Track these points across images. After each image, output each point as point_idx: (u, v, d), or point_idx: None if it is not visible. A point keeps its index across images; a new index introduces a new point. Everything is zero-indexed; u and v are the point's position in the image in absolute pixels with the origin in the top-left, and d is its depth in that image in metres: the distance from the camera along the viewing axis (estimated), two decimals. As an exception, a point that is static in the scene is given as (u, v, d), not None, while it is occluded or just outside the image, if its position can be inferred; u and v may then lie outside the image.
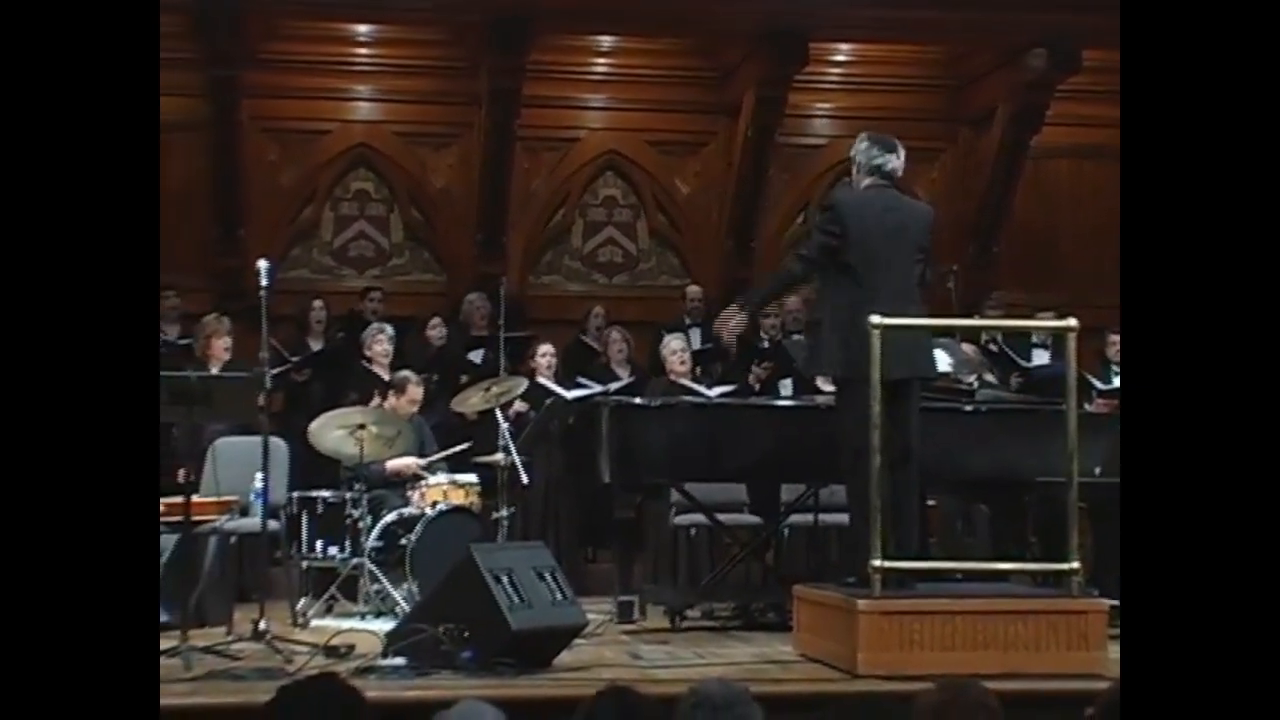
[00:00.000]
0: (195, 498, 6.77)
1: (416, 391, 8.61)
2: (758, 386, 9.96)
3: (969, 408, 7.53)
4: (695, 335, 10.51)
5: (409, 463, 8.33)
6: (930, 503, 7.88)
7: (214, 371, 8.67)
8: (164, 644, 6.07)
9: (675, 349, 9.32)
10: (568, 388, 9.40)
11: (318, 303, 10.49)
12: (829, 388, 7.27)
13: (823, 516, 8.16)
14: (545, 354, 9.66)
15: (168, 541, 7.09)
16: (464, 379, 9.92)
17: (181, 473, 6.51)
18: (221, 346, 8.98)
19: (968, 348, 8.56)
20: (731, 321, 6.55)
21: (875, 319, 5.72)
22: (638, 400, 7.94)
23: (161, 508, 6.96)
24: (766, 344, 10.43)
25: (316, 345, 10.33)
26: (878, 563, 5.67)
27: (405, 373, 8.82)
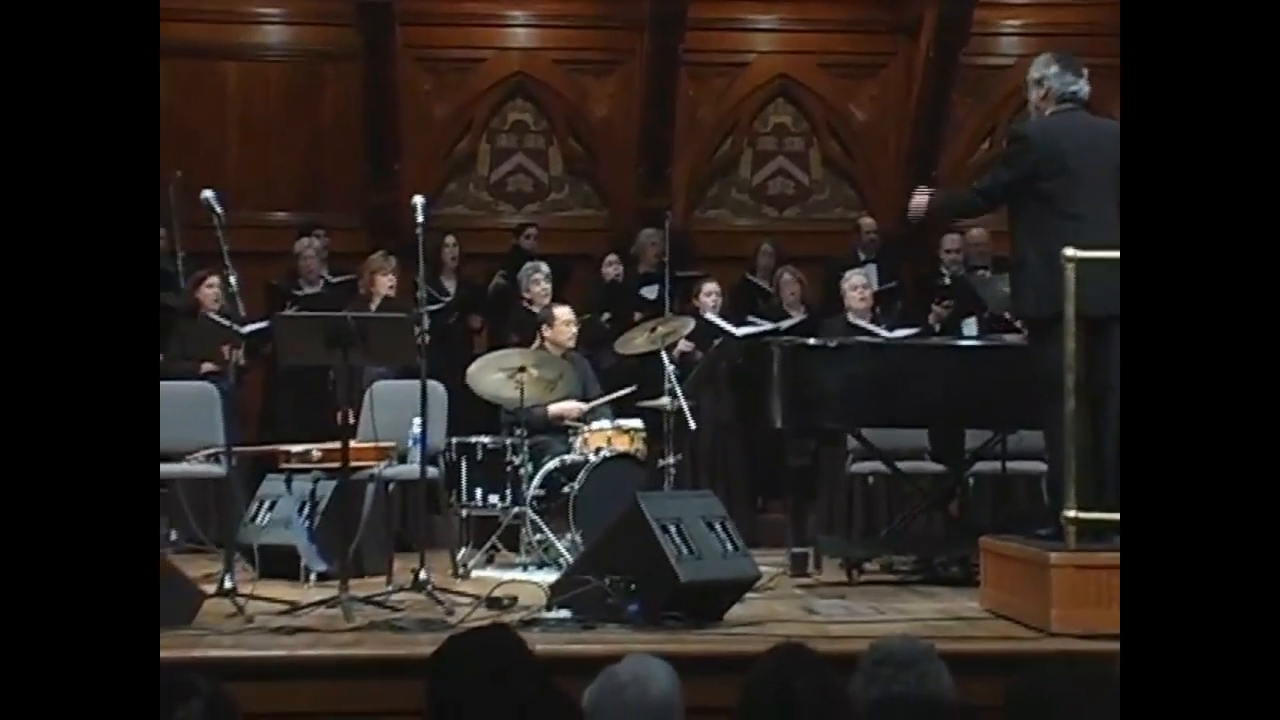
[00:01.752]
0: (353, 443, 6.83)
1: (566, 315, 8.61)
2: (939, 327, 9.85)
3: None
4: (872, 270, 10.42)
5: (571, 407, 8.40)
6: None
7: (373, 310, 8.82)
8: (323, 594, 6.27)
9: (856, 284, 9.25)
10: (737, 327, 9.40)
11: (450, 239, 10.59)
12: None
13: (1011, 464, 8.06)
14: (710, 292, 9.67)
15: (325, 488, 7.32)
16: (637, 317, 9.99)
17: (340, 415, 6.63)
18: (385, 284, 9.15)
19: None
20: (921, 198, 6.46)
21: (1070, 251, 5.62)
22: (812, 340, 7.90)
23: (318, 453, 7.23)
24: (948, 280, 10.28)
25: (450, 284, 10.46)
26: (1073, 513, 5.61)
27: (551, 304, 8.90)
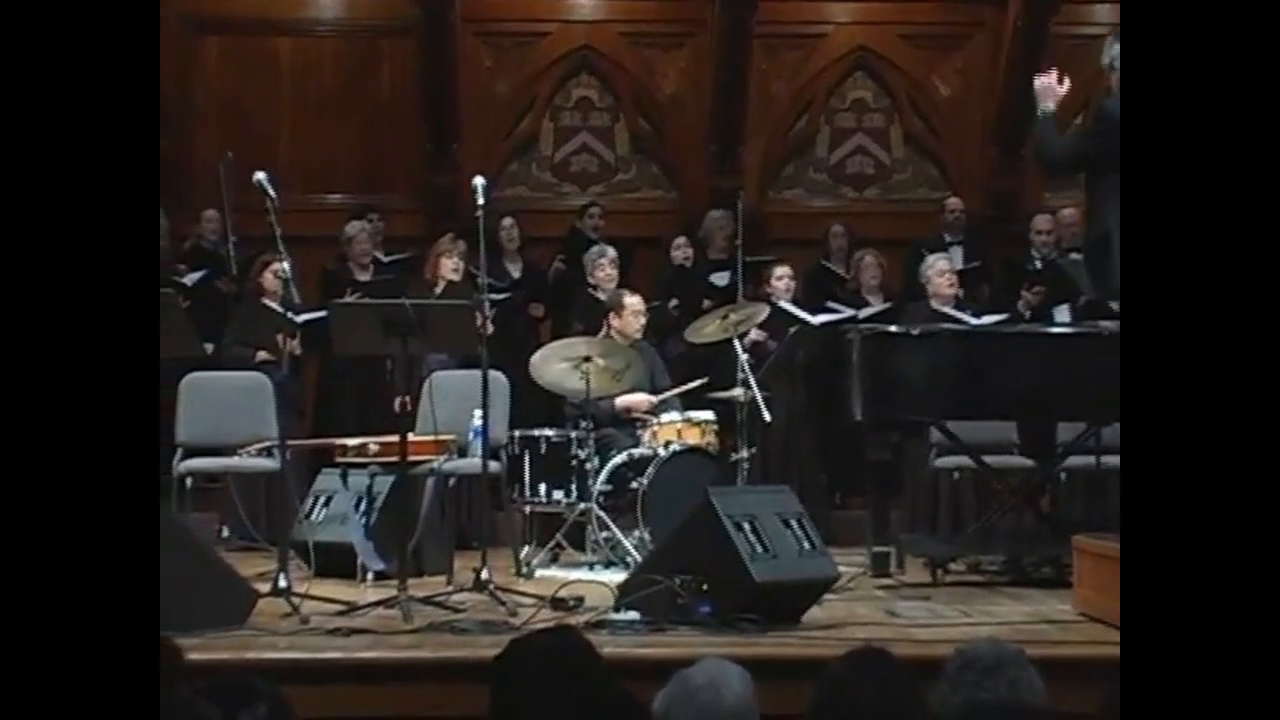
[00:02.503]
0: (411, 436, 6.90)
1: (636, 304, 8.61)
2: (1028, 314, 9.78)
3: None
4: (957, 254, 10.36)
5: (639, 399, 8.41)
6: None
7: (437, 295, 8.85)
8: (380, 594, 6.32)
9: (941, 269, 9.18)
10: (813, 314, 9.39)
11: (508, 221, 10.54)
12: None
13: (1105, 458, 7.99)
14: (783, 276, 9.63)
15: (383, 483, 7.37)
16: (706, 304, 9.98)
17: (399, 403, 6.65)
18: (450, 268, 9.15)
19: None
20: (1046, 82, 6.36)
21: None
22: (894, 327, 7.87)
23: (375, 447, 7.29)
24: (1039, 264, 10.20)
25: (513, 268, 10.47)
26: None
27: (619, 290, 8.89)
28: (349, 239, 9.95)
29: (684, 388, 8.53)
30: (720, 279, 10.26)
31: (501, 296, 9.44)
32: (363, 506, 7.41)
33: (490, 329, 6.69)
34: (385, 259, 10.22)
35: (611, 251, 9.51)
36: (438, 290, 9.03)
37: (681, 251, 10.65)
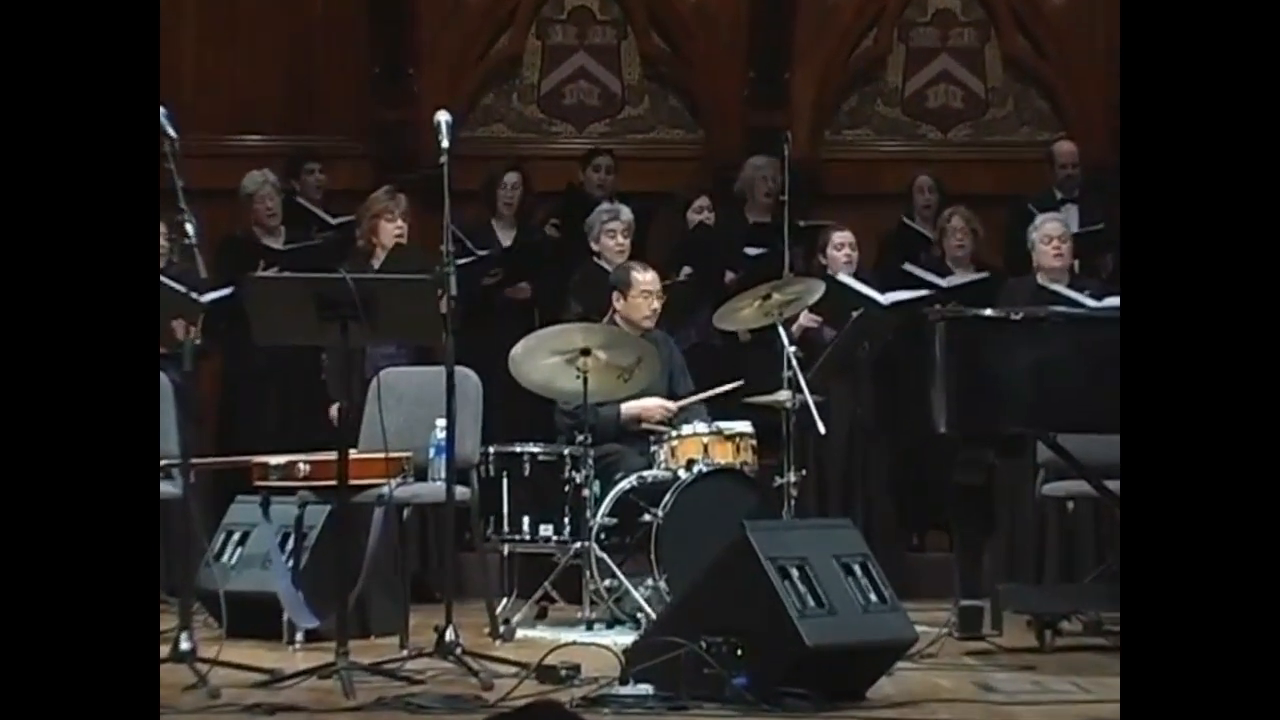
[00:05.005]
0: (353, 453, 6.88)
1: (648, 281, 8.60)
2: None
3: None
4: (1072, 214, 10.35)
5: (654, 405, 8.44)
6: None
7: (376, 269, 8.85)
8: (313, 660, 6.32)
9: (1050, 234, 9.14)
10: (883, 290, 9.37)
11: (511, 177, 10.55)
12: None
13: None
14: (843, 244, 9.62)
15: (316, 515, 7.39)
16: (730, 277, 9.99)
17: (334, 412, 6.63)
18: (392, 231, 9.13)
19: None
20: None
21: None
22: (989, 311, 7.85)
23: (306, 467, 7.24)
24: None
25: (504, 234, 10.45)
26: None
27: (627, 263, 8.91)
28: (249, 195, 9.98)
29: (713, 391, 8.52)
30: (759, 246, 10.23)
31: (466, 260, 9.35)
32: (290, 545, 7.43)
33: (455, 310, 6.63)
34: (332, 221, 10.22)
35: (626, 213, 9.50)
36: (375, 263, 9.02)
37: (704, 216, 10.56)
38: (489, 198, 10.45)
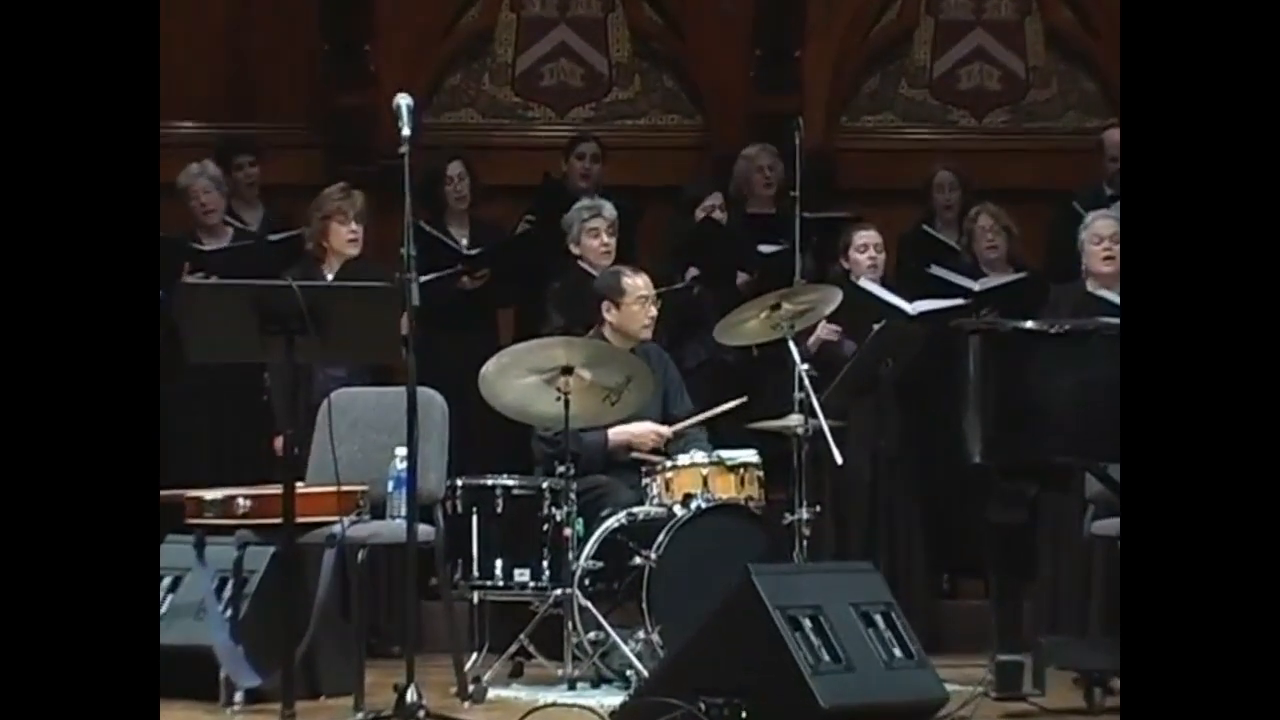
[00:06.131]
0: (300, 486, 6.90)
1: (640, 287, 8.59)
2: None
3: None
4: (1124, 211, 10.34)
5: (645, 430, 8.44)
6: None
7: (329, 279, 8.83)
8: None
9: (1100, 234, 9.09)
10: (910, 298, 9.36)
11: (455, 167, 10.43)
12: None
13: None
14: (867, 245, 9.59)
15: (257, 558, 7.38)
16: (743, 279, 9.99)
17: (279, 443, 6.64)
18: (345, 236, 9.09)
19: None
20: None
21: None
22: (1030, 323, 7.76)
23: (246, 502, 7.23)
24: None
25: (460, 233, 10.38)
26: None
27: (614, 267, 8.91)
28: (184, 189, 9.93)
29: (712, 412, 8.54)
30: (768, 246, 10.17)
31: (431, 277, 9.32)
32: (228, 592, 7.41)
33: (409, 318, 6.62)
34: (273, 239, 10.17)
35: (609, 209, 9.50)
36: (328, 272, 9.01)
37: (715, 215, 10.44)
38: (432, 197, 10.24)
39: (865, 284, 9.39)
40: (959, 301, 9.44)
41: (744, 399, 8.54)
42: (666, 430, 8.46)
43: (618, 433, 8.41)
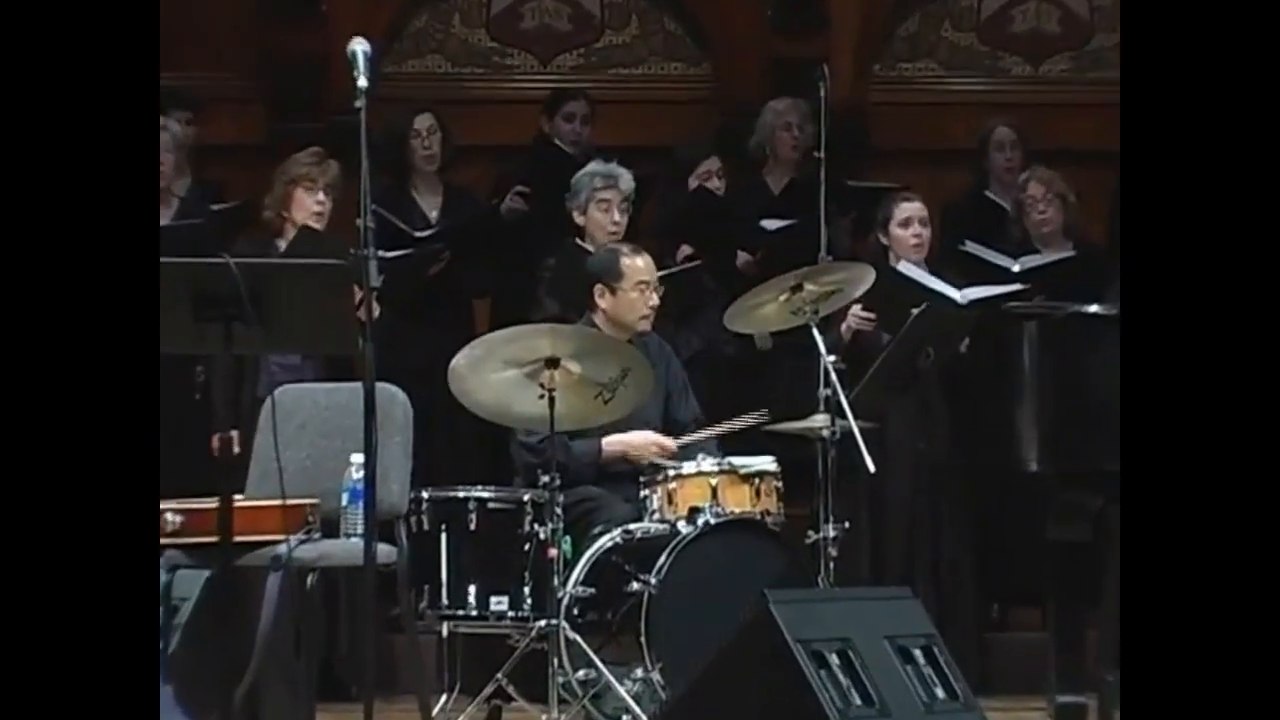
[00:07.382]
0: (240, 499, 6.93)
1: (642, 268, 8.60)
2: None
3: None
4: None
5: (646, 441, 8.46)
6: None
7: (281, 250, 8.89)
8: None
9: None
10: (956, 283, 9.34)
11: (423, 120, 10.36)
12: None
13: None
14: (911, 220, 9.59)
15: (190, 582, 7.27)
16: (744, 260, 10.04)
17: (216, 443, 6.61)
18: (311, 206, 9.11)
19: None
20: None
21: None
22: (1094, 307, 7.78)
23: (177, 518, 7.23)
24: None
25: (430, 204, 10.39)
26: None
27: (613, 245, 8.91)
28: None
29: (728, 425, 8.55)
30: (776, 222, 10.20)
31: (398, 254, 9.30)
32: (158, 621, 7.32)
33: (377, 311, 6.57)
34: (214, 208, 10.15)
35: (627, 179, 9.49)
36: (282, 243, 9.04)
37: (714, 183, 10.51)
38: (396, 159, 10.23)
39: (906, 268, 9.37)
40: (1016, 287, 9.38)
41: (764, 412, 8.49)
42: (670, 443, 8.46)
43: (612, 442, 8.41)
